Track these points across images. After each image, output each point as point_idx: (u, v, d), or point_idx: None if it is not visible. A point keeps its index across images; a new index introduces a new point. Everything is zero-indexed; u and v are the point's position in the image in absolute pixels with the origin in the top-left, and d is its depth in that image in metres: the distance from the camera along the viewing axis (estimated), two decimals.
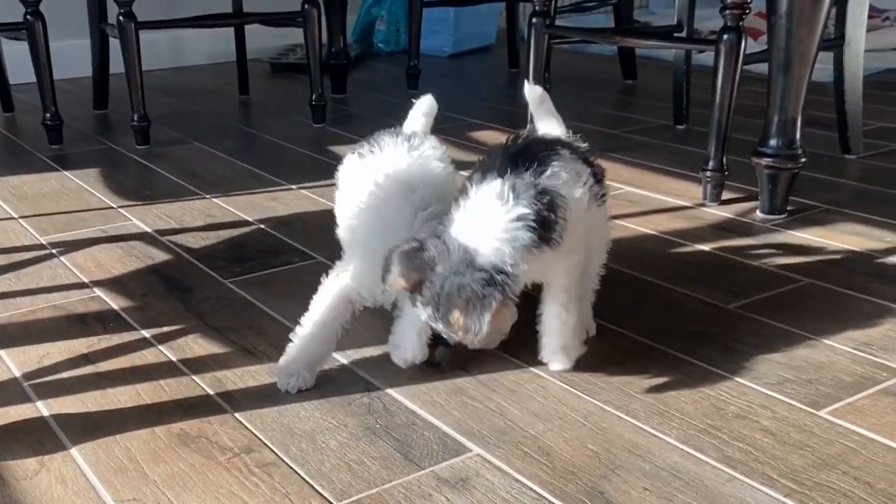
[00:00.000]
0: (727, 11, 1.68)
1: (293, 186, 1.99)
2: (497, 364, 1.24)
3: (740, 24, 1.69)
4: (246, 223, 1.79)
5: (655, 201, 1.86)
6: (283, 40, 3.38)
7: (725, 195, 1.83)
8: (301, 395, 1.16)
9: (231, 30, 2.88)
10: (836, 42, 1.94)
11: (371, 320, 1.36)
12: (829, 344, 1.25)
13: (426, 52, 3.55)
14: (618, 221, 1.75)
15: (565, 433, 1.07)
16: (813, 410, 1.10)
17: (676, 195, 1.89)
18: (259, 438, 1.07)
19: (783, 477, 0.97)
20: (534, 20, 2.05)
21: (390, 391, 1.17)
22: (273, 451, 1.04)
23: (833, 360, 1.21)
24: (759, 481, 0.97)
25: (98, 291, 1.48)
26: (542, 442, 1.06)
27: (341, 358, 1.25)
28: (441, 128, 2.51)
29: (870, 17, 3.52)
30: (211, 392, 1.17)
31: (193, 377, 1.21)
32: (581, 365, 1.22)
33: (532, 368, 1.22)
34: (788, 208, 1.75)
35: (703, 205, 1.82)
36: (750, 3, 1.69)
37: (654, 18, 3.86)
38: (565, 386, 1.18)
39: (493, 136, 2.39)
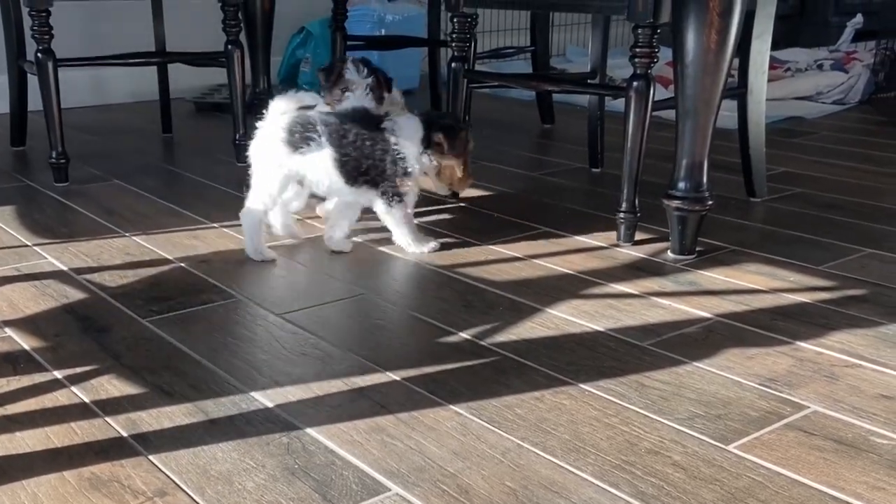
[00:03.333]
0: (636, 60, 1.73)
1: (215, 224, 1.95)
2: (417, 401, 1.22)
3: (649, 72, 1.73)
4: (165, 261, 1.74)
5: (571, 241, 1.88)
6: (208, 79, 3.34)
7: (639, 236, 1.87)
8: (218, 436, 1.12)
9: (155, 68, 2.83)
10: (739, 91, 2.01)
11: (291, 358, 1.34)
12: (737, 380, 1.27)
13: None
14: (535, 261, 1.77)
15: (483, 470, 1.06)
16: (722, 445, 1.11)
17: (591, 235, 1.91)
18: (173, 481, 1.03)
19: None
20: (453, 65, 2.07)
21: (310, 430, 1.14)
22: (188, 494, 1.00)
23: (740, 395, 1.23)
24: None
25: (9, 331, 1.42)
26: (460, 480, 1.04)
27: (261, 398, 1.22)
28: None
29: (772, 67, 3.68)
30: (125, 434, 1.13)
31: (107, 419, 1.16)
32: (498, 401, 1.22)
33: (452, 406, 1.21)
34: (697, 249, 1.78)
35: (617, 245, 1.85)
36: (658, 52, 1.74)
37: (570, 66, 3.95)
38: (483, 423, 1.17)
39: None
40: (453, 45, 2.05)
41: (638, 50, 1.71)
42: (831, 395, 1.23)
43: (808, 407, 1.19)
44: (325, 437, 1.13)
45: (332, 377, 1.29)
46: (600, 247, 1.85)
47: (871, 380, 1.27)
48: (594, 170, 2.46)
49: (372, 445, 1.11)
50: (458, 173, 1.76)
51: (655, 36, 1.71)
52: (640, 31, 1.70)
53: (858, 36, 3.77)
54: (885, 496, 1.00)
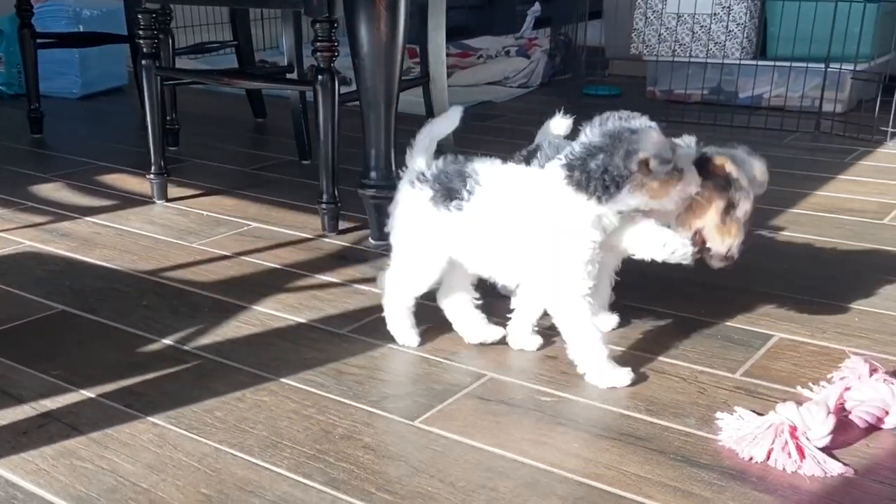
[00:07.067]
0: (318, 54, 1.72)
1: None
2: (111, 418, 1.15)
3: (332, 65, 1.73)
4: None
5: (280, 235, 1.86)
6: None
7: (343, 225, 1.87)
8: None
9: None
10: (423, 80, 2.07)
11: None
12: (425, 356, 1.31)
13: (54, 94, 3.27)
14: (244, 258, 1.72)
15: (178, 481, 1.02)
16: (408, 421, 1.14)
17: (299, 228, 1.90)
18: None
19: (380, 490, 1.00)
20: (143, 62, 1.95)
21: None
22: None
23: (427, 371, 1.27)
24: (359, 498, 0.99)
25: None
26: (153, 495, 0.99)
27: None
28: (65, 173, 2.32)
29: (466, 55, 3.84)
30: None
31: None
32: (198, 406, 1.17)
33: (149, 417, 1.15)
34: None
35: (323, 236, 1.84)
36: (337, 45, 1.73)
37: (283, 58, 3.88)
38: (182, 431, 1.12)
39: (123, 179, 2.26)
40: (141, 41, 1.92)
41: (318, 44, 1.70)
42: (505, 361, 1.30)
43: (486, 375, 1.26)
44: (5, 470, 1.03)
45: (17, 403, 1.18)
46: (307, 238, 1.84)
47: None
48: (304, 162, 2.43)
49: (59, 472, 1.03)
50: None
51: (334, 30, 1.70)
52: (317, 25, 1.68)
53: (538, 23, 4.03)
54: (545, 449, 1.07)
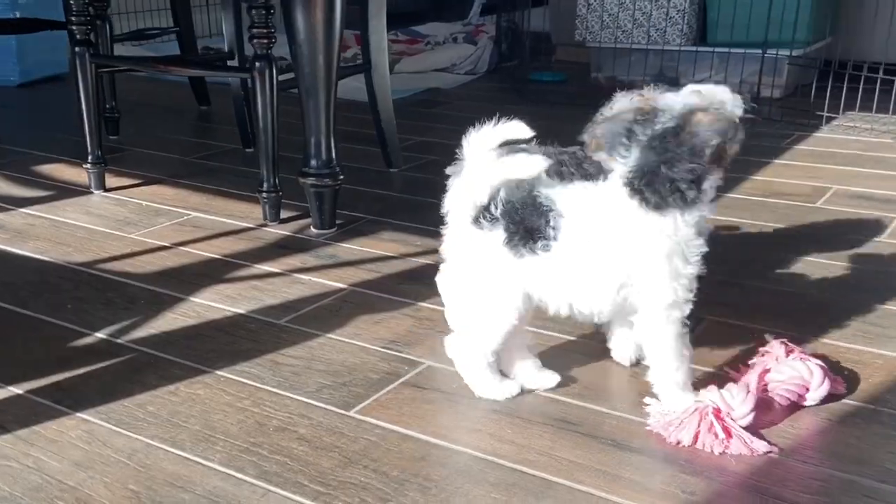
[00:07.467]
0: (255, 41, 1.68)
1: None
2: (39, 414, 1.12)
3: (269, 52, 1.69)
4: None
5: (220, 224, 1.82)
6: None
7: (285, 213, 1.85)
8: None
9: None
10: (364, 68, 2.04)
11: None
12: (363, 346, 1.30)
13: None
14: (182, 248, 1.69)
15: (106, 478, 0.99)
16: (344, 411, 1.13)
17: (241, 217, 1.86)
18: None
19: (313, 482, 0.99)
20: (76, 49, 1.89)
21: None
22: None
23: (364, 360, 1.26)
24: (291, 490, 0.97)
25: None
26: (80, 493, 0.97)
27: None
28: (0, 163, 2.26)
29: (413, 42, 3.81)
30: None
31: None
32: (130, 401, 1.15)
33: (78, 413, 1.12)
34: (338, 222, 1.80)
35: (264, 225, 1.82)
36: (274, 32, 1.70)
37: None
38: (112, 426, 1.09)
39: (60, 169, 2.20)
40: (73, 27, 1.86)
41: (255, 31, 1.66)
42: (442, 350, 1.28)
43: (423, 363, 1.25)
44: None
45: None
46: (248, 228, 1.81)
47: None
48: (247, 150, 2.39)
49: None
50: None
51: (270, 15, 1.67)
52: (254, 11, 1.65)
53: (485, 10, 4.01)
54: (479, 436, 1.07)
